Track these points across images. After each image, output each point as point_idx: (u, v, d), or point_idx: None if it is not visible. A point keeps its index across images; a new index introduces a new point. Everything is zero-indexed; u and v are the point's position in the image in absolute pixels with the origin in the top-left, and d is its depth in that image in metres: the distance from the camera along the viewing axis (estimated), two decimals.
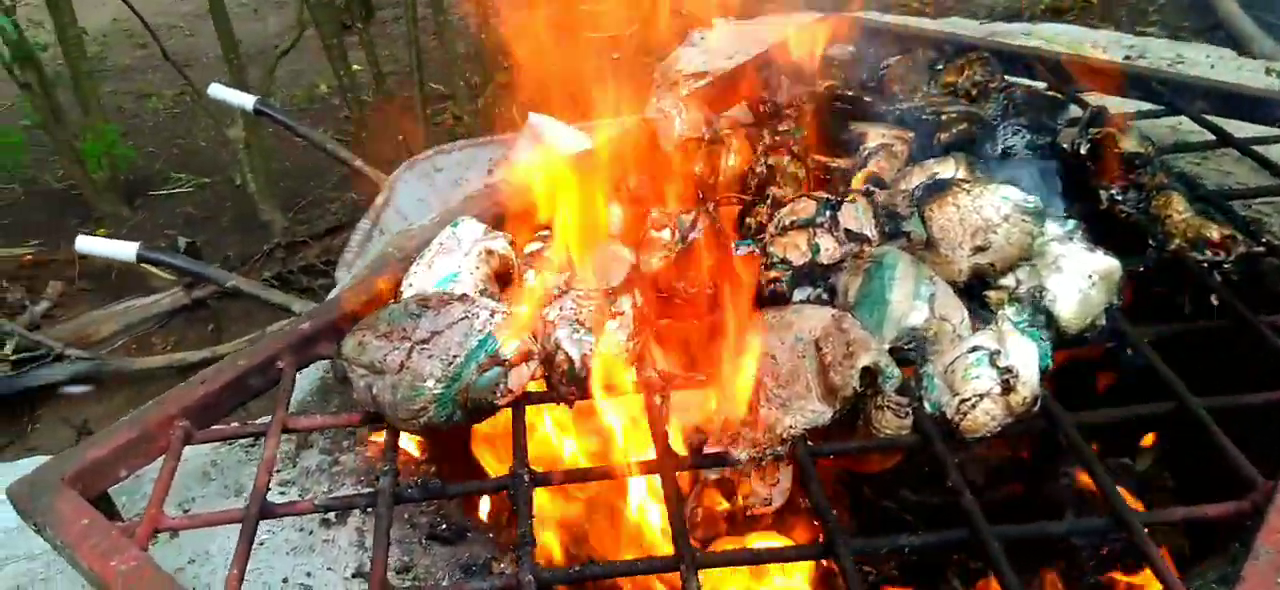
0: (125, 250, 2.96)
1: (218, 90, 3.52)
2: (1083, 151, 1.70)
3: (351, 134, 4.98)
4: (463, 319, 1.31)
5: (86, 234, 3.53)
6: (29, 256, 4.28)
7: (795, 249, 1.42)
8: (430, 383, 1.25)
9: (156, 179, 5.07)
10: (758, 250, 1.47)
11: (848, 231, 1.43)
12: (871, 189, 1.52)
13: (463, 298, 1.37)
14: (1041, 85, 2.04)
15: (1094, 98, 2.00)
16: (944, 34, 2.30)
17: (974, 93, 1.85)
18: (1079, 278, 1.34)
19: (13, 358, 3.52)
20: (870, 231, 1.44)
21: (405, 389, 1.26)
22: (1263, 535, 1.05)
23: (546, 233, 1.56)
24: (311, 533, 1.33)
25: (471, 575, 1.27)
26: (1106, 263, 1.36)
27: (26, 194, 4.89)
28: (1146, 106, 1.96)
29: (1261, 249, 1.51)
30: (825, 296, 1.39)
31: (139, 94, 5.92)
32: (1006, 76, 2.00)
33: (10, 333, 3.62)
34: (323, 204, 4.79)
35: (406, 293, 1.48)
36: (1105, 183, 1.64)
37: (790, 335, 1.28)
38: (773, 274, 1.41)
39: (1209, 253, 1.51)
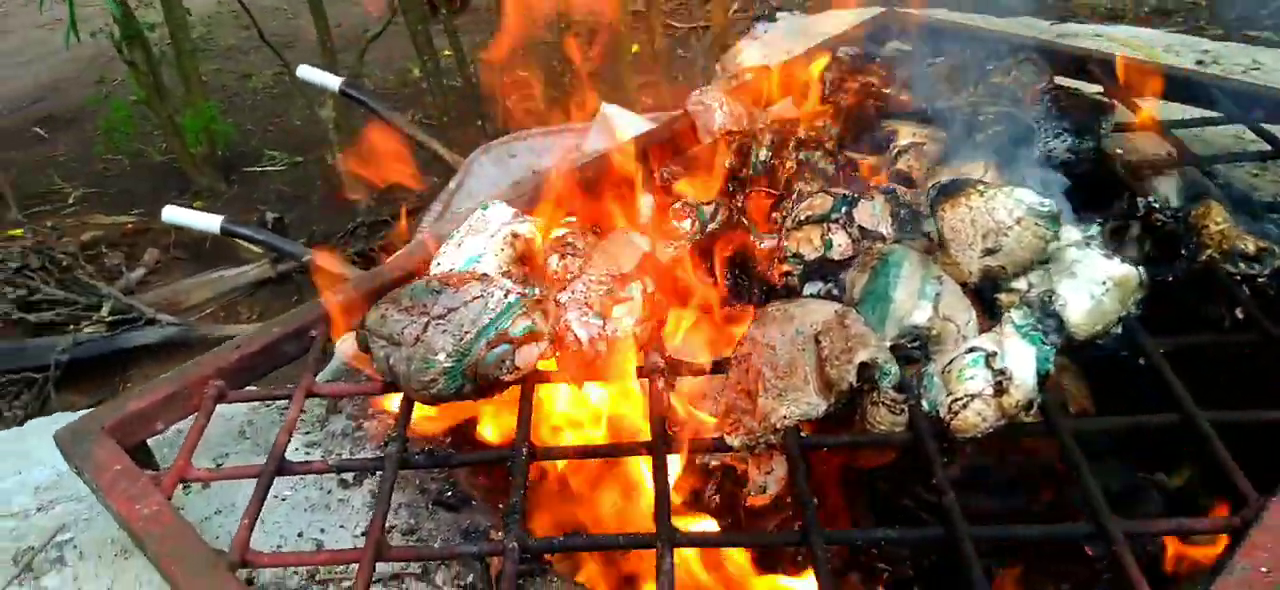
0: (210, 222, 3.10)
1: (306, 71, 3.65)
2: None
3: (436, 119, 5.12)
4: (477, 298, 1.36)
5: (183, 206, 3.73)
6: (130, 225, 4.51)
7: (808, 244, 1.44)
8: (441, 356, 1.31)
9: (253, 155, 5.27)
10: (775, 243, 1.49)
11: (862, 228, 1.44)
12: (892, 187, 1.52)
13: (482, 277, 1.42)
14: (1097, 89, 2.02)
15: (1150, 103, 1.96)
16: (1001, 33, 2.27)
17: (1021, 94, 1.83)
18: (1092, 284, 1.32)
19: (108, 320, 3.72)
20: (886, 229, 1.45)
21: (418, 361, 1.32)
22: (1242, 551, 1.03)
23: (572, 219, 1.61)
24: (330, 492, 1.40)
25: (469, 540, 1.32)
26: (1122, 270, 1.34)
27: (132, 166, 5.14)
28: (1210, 114, 1.92)
29: None
30: (835, 292, 1.40)
31: (241, 73, 6.16)
32: (1061, 79, 1.98)
33: (107, 296, 3.83)
34: (415, 186, 4.91)
35: (435, 270, 1.54)
36: (1143, 189, 1.62)
37: (791, 328, 1.30)
38: (785, 267, 1.43)
39: (1243, 265, 1.48)
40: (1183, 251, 1.52)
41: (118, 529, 1.31)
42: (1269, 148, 1.79)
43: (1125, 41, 2.50)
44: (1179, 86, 1.97)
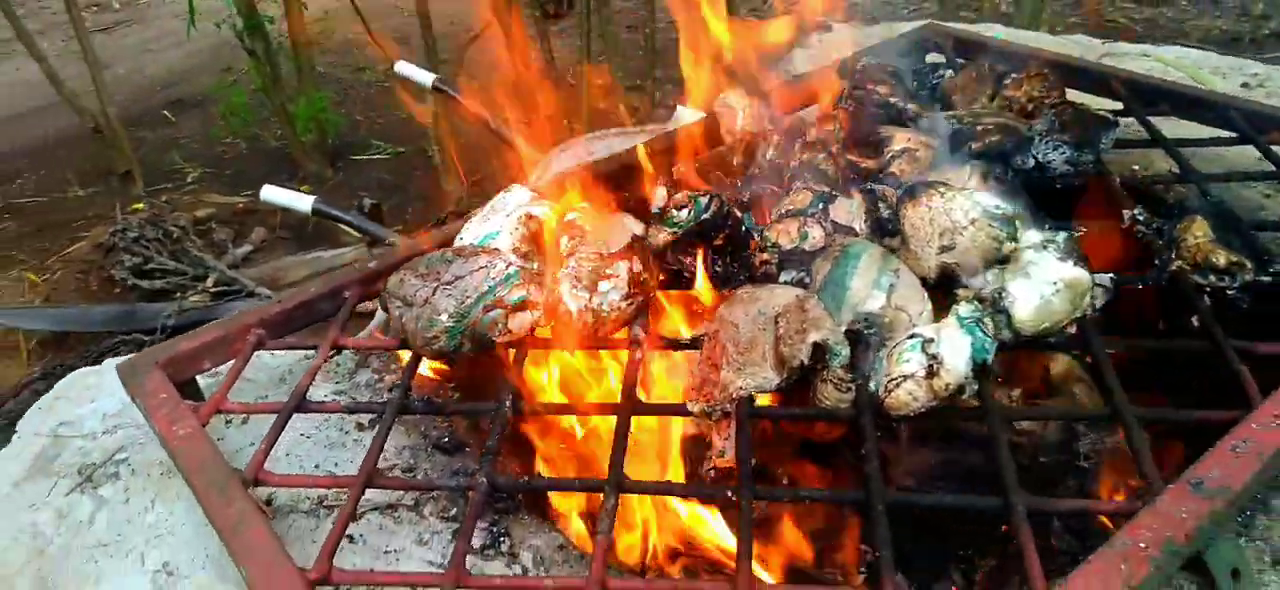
0: (303, 202, 3.36)
1: (403, 67, 3.89)
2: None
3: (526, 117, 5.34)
4: (482, 268, 1.53)
5: (290, 190, 4.02)
6: (241, 204, 4.85)
7: (786, 235, 1.56)
8: (444, 317, 1.48)
9: (360, 145, 5.58)
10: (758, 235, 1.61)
11: (835, 223, 1.55)
12: (871, 187, 1.63)
13: (492, 251, 1.59)
14: (1117, 105, 2.07)
15: (1166, 123, 2.02)
16: (1033, 50, 2.32)
17: (1029, 107, 1.90)
18: (1044, 284, 1.41)
19: (212, 290, 4.03)
20: (859, 226, 1.56)
21: (424, 320, 1.49)
22: (1129, 527, 1.12)
23: (585, 205, 1.76)
24: (347, 432, 1.59)
25: (453, 477, 1.49)
26: (1074, 273, 1.42)
27: (248, 150, 5.50)
28: (1224, 134, 1.97)
29: (1268, 278, 1.52)
30: (806, 280, 1.52)
31: (355, 67, 6.51)
32: (1078, 94, 2.05)
33: (213, 268, 4.14)
34: (500, 179, 5.14)
35: (458, 244, 1.71)
36: (1129, 202, 1.69)
37: (755, 309, 1.42)
38: (764, 256, 1.56)
39: (1213, 277, 1.54)
40: (1156, 262, 1.59)
41: (165, 453, 1.51)
42: (1274, 169, 1.82)
43: (1171, 62, 2.52)
44: (1197, 107, 2.02)
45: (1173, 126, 2.04)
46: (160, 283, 4.04)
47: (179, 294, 3.98)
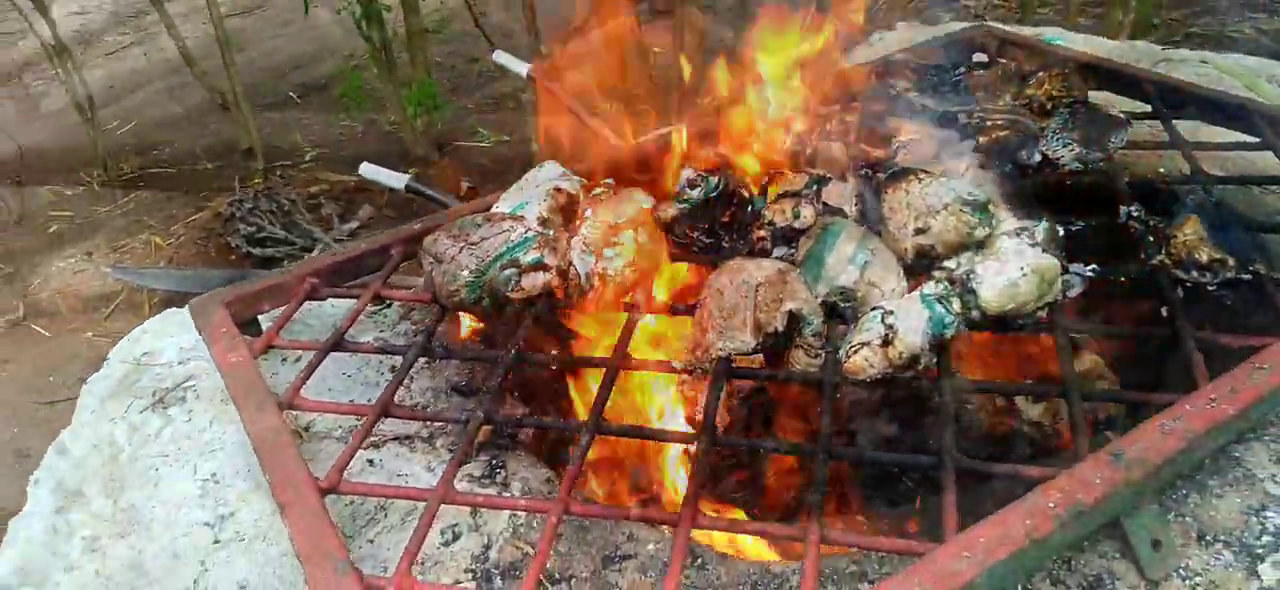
0: (397, 180, 3.60)
1: (500, 56, 4.11)
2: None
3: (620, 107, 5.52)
4: (504, 232, 1.69)
5: (391, 169, 4.30)
6: (351, 183, 5.16)
7: (781, 214, 1.68)
8: (465, 273, 1.65)
9: (465, 132, 5.86)
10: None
11: (826, 205, 1.66)
12: (866, 171, 1.73)
13: (517, 218, 1.76)
14: (1146, 107, 2.12)
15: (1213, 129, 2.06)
16: (1070, 52, 2.37)
17: (1048, 106, 1.97)
18: (1013, 268, 1.49)
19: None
20: (848, 208, 1.67)
21: (449, 275, 1.66)
22: (1044, 487, 1.21)
23: (610, 181, 1.91)
24: (383, 374, 1.79)
25: (460, 413, 1.66)
26: (1043, 260, 1.50)
27: (363, 133, 5.83)
28: (1247, 139, 2.00)
29: (1248, 276, 1.57)
30: (795, 255, 1.64)
31: (469, 57, 6.80)
32: (1111, 96, 2.11)
33: (320, 241, 4.45)
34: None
35: (492, 211, 1.89)
36: (1128, 199, 1.75)
37: (740, 278, 1.55)
38: (760, 233, 1.68)
39: (1195, 272, 1.60)
40: (1143, 255, 1.65)
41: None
42: None
43: (1228, 69, 2.52)
44: (1223, 111, 2.04)
45: (1212, 132, 2.08)
46: (271, 251, 4.36)
47: (286, 262, 4.29)
